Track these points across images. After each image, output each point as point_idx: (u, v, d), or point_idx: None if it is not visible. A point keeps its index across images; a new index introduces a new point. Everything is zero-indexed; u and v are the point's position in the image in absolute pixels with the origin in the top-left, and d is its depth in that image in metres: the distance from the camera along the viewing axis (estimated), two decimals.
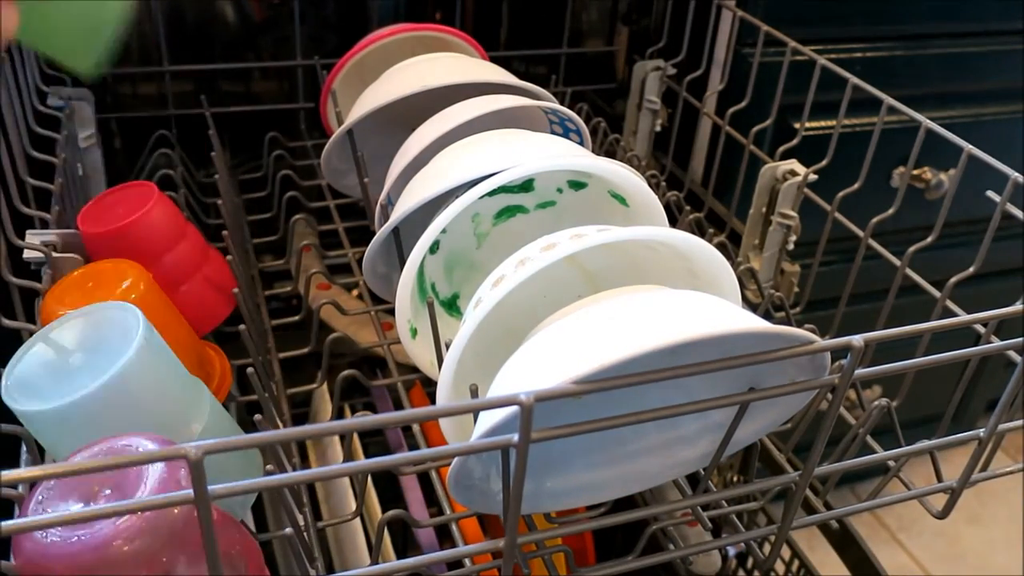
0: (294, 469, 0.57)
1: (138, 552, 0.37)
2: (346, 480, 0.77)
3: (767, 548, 0.70)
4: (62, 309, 0.52)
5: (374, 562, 0.46)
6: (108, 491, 0.39)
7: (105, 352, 0.45)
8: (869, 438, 0.61)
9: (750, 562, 0.90)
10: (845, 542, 0.82)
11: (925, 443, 0.50)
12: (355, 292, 0.81)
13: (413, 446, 0.66)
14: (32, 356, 0.46)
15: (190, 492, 0.32)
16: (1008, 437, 0.53)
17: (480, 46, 0.80)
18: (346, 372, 0.57)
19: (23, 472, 0.30)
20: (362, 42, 0.77)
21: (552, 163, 0.52)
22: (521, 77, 0.68)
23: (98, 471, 0.33)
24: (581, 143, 0.67)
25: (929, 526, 1.41)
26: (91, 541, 0.37)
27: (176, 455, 0.31)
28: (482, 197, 0.52)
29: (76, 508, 0.38)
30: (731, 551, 0.89)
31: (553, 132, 0.69)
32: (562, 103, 0.68)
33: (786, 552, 0.85)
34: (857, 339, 0.39)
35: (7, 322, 0.54)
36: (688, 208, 0.84)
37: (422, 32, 0.77)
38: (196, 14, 0.86)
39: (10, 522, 0.30)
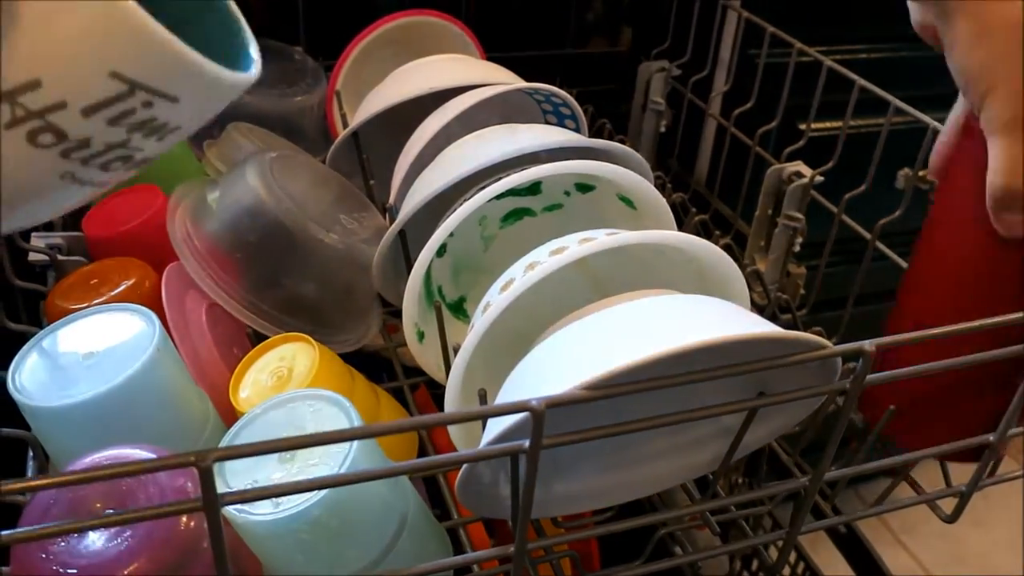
0: None
1: None
2: None
3: (773, 551, 0.69)
4: (67, 306, 0.52)
5: None
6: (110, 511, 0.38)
7: (117, 355, 0.44)
8: None
9: (755, 564, 0.90)
10: (851, 544, 0.82)
11: (943, 446, 0.50)
12: None
13: (420, 448, 0.66)
14: (42, 351, 0.46)
15: (199, 499, 0.32)
16: (1012, 440, 0.53)
17: (476, 38, 0.81)
18: None
19: (29, 481, 0.30)
20: (362, 33, 0.77)
21: (560, 166, 0.52)
22: (525, 78, 0.68)
23: (105, 479, 0.32)
24: (577, 130, 0.68)
25: (932, 528, 1.40)
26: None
27: (184, 463, 0.31)
28: (489, 200, 0.52)
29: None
30: None
31: (547, 123, 0.69)
32: None
33: (792, 554, 0.85)
34: (869, 344, 0.38)
35: (12, 325, 0.53)
36: (694, 210, 0.84)
37: (417, 18, 0.78)
38: None
39: (9, 532, 0.30)
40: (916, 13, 0.52)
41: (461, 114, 0.61)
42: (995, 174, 0.45)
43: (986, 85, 0.44)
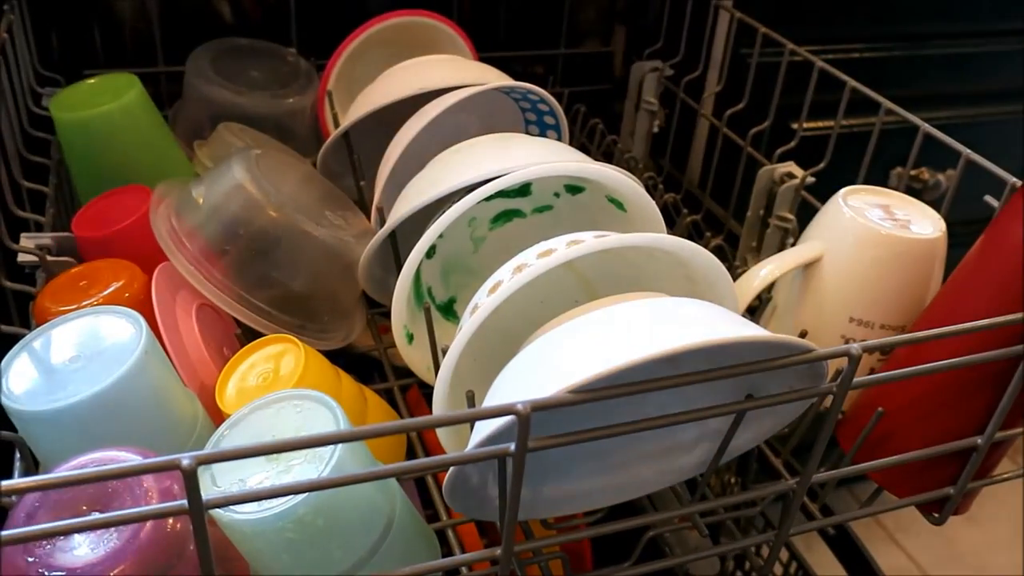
0: None
1: None
2: None
3: (765, 551, 0.69)
4: (55, 307, 0.52)
5: None
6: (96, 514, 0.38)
7: (104, 359, 0.44)
8: None
9: (748, 564, 0.90)
10: (843, 544, 0.82)
11: (924, 449, 0.50)
12: None
13: (409, 447, 0.66)
14: (29, 355, 0.46)
15: (184, 502, 0.32)
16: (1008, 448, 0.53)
17: (468, 38, 0.80)
18: None
19: (16, 483, 0.30)
20: (353, 33, 0.77)
21: (550, 168, 0.52)
22: (518, 78, 0.68)
23: (89, 482, 0.32)
24: (557, 126, 0.68)
25: (927, 527, 1.39)
26: None
27: (169, 465, 0.31)
28: (479, 202, 0.52)
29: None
30: None
31: (528, 132, 0.69)
32: (559, 103, 0.68)
33: (784, 553, 0.85)
34: (856, 347, 0.39)
35: (1, 327, 0.53)
36: (686, 211, 0.84)
37: (409, 19, 0.78)
38: (191, 14, 0.86)
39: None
40: None
41: (440, 116, 0.61)
42: None
43: None
